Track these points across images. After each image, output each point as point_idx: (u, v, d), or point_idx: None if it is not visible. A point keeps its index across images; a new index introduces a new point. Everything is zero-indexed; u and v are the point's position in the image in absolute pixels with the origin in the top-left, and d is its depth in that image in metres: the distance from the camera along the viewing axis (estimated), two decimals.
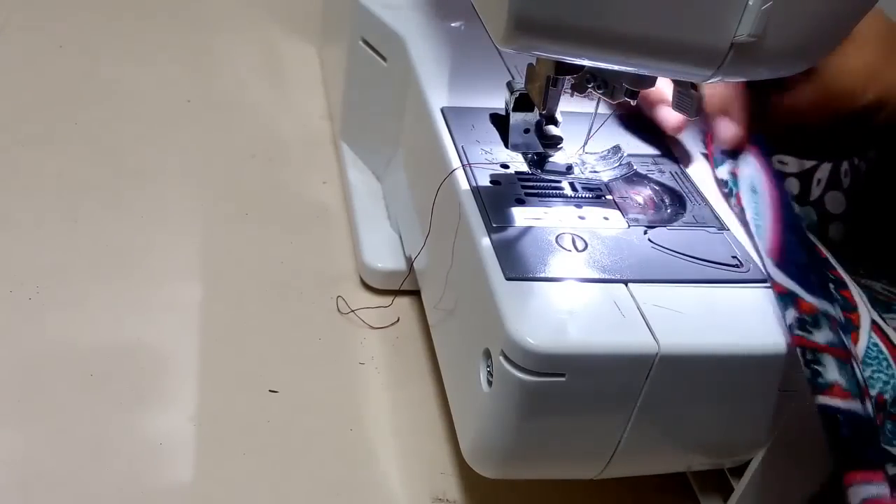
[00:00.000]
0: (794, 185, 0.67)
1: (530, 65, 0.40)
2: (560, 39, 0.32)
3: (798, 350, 0.34)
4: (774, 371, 0.35)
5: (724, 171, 0.43)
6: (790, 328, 0.34)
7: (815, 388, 0.33)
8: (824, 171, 0.62)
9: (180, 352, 0.48)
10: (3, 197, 0.57)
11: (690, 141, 0.48)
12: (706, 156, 0.45)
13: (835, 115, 0.44)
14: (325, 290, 0.53)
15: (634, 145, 0.46)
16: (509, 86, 0.44)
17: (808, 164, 0.79)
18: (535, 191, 0.42)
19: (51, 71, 0.72)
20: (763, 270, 0.38)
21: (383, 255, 0.54)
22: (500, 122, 0.46)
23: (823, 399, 0.33)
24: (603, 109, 0.44)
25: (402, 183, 0.54)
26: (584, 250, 0.38)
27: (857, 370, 0.34)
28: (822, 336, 0.34)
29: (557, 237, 0.39)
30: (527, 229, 0.39)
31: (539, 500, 0.43)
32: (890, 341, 0.37)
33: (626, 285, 0.36)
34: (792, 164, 0.83)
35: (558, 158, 0.44)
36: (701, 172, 0.45)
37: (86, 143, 0.64)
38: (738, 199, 0.41)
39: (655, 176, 0.44)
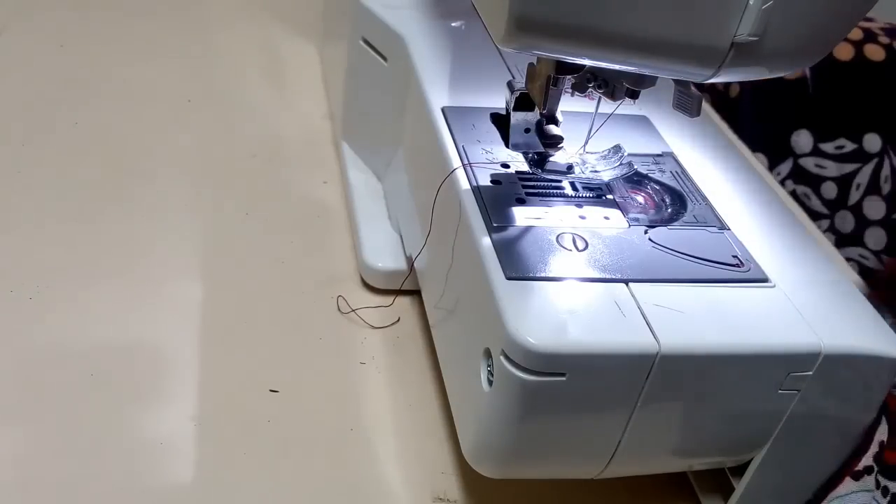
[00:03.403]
0: (831, 190, 0.67)
1: (531, 64, 0.40)
2: (560, 39, 0.32)
3: None
4: (775, 371, 0.35)
5: None
6: None
7: None
8: (864, 175, 0.62)
9: (180, 351, 0.48)
10: (3, 197, 0.57)
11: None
12: None
13: None
14: (326, 289, 0.53)
15: (635, 145, 0.46)
16: (510, 85, 0.44)
17: (848, 168, 0.78)
18: (536, 190, 0.42)
19: (51, 71, 0.72)
20: None
21: (384, 254, 0.54)
22: (500, 121, 0.46)
23: None
24: (604, 109, 0.44)
25: (402, 182, 0.54)
26: (584, 250, 0.38)
27: None
28: None
29: (558, 237, 0.39)
30: (527, 229, 0.39)
31: (539, 499, 0.43)
32: None
33: (627, 285, 0.36)
34: (831, 168, 0.83)
35: (559, 158, 0.44)
36: (702, 172, 0.45)
37: (86, 142, 0.64)
38: None
39: (656, 175, 0.44)
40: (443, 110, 0.47)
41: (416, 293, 0.53)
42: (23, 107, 0.67)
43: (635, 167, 0.44)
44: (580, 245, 0.38)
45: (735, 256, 0.39)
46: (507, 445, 0.36)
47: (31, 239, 0.54)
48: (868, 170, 0.64)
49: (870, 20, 0.76)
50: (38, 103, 0.67)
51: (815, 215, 0.74)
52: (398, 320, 0.52)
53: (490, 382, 0.35)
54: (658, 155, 0.46)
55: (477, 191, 0.41)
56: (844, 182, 0.76)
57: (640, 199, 0.42)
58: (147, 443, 0.42)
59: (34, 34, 0.76)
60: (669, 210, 0.42)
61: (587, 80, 0.39)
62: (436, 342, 0.45)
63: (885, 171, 0.64)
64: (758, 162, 0.73)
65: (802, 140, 0.83)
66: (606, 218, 0.41)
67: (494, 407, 0.35)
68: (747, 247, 0.40)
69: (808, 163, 0.69)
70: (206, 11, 0.85)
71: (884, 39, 0.73)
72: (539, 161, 0.44)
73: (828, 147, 0.82)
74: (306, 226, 0.59)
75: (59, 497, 0.40)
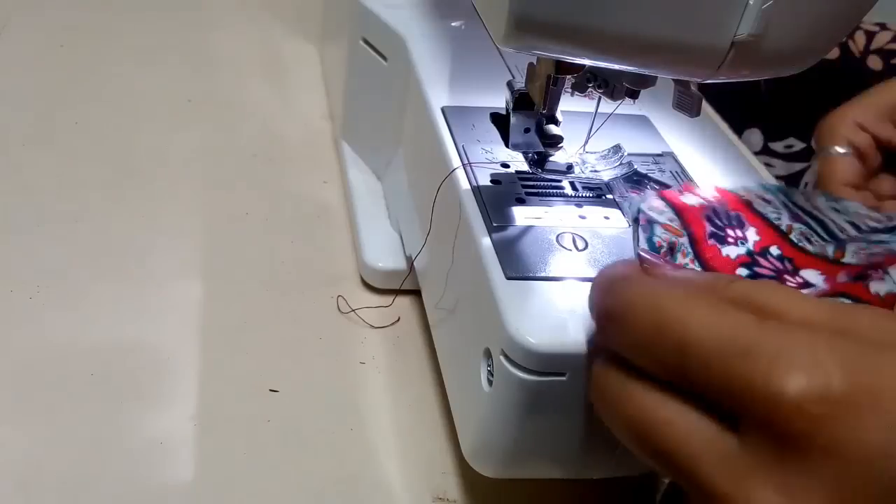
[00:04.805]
0: None
1: (531, 64, 0.40)
2: (560, 39, 0.32)
3: None
4: None
5: None
6: None
7: None
8: (812, 174, 0.62)
9: (180, 351, 0.48)
10: (3, 197, 0.57)
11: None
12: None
13: None
14: (326, 289, 0.53)
15: (635, 144, 0.46)
16: (510, 85, 0.44)
17: (797, 166, 0.79)
18: (536, 190, 0.42)
19: (51, 71, 0.72)
20: None
21: (384, 254, 0.54)
22: (500, 121, 0.46)
23: None
24: (604, 109, 0.44)
25: (402, 182, 0.54)
26: (584, 249, 0.38)
27: None
28: None
29: (558, 236, 0.39)
30: (527, 228, 0.39)
31: (539, 500, 0.43)
32: None
33: None
34: (779, 166, 0.83)
35: (559, 158, 0.44)
36: (702, 172, 0.45)
37: (86, 142, 0.64)
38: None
39: (656, 175, 0.44)
40: (443, 110, 0.47)
41: (416, 293, 0.53)
42: (23, 107, 0.67)
43: (635, 167, 0.44)
44: (580, 245, 0.38)
45: None
46: (507, 445, 0.36)
47: (31, 239, 0.54)
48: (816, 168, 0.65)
49: None
50: (38, 103, 0.67)
51: None
52: (398, 320, 0.52)
53: (490, 382, 0.35)
54: (658, 155, 0.46)
55: (477, 191, 0.41)
56: (792, 181, 0.77)
57: None
58: (147, 443, 0.42)
59: (34, 34, 0.76)
60: None
61: (587, 80, 0.39)
62: (436, 342, 0.45)
63: None
64: (759, 162, 0.73)
65: (754, 139, 0.84)
66: (606, 218, 0.41)
67: (494, 407, 0.35)
68: None
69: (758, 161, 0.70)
70: (206, 11, 0.85)
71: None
72: (539, 161, 0.44)
73: (777, 146, 0.83)
74: (306, 226, 0.59)
75: (60, 497, 0.40)
